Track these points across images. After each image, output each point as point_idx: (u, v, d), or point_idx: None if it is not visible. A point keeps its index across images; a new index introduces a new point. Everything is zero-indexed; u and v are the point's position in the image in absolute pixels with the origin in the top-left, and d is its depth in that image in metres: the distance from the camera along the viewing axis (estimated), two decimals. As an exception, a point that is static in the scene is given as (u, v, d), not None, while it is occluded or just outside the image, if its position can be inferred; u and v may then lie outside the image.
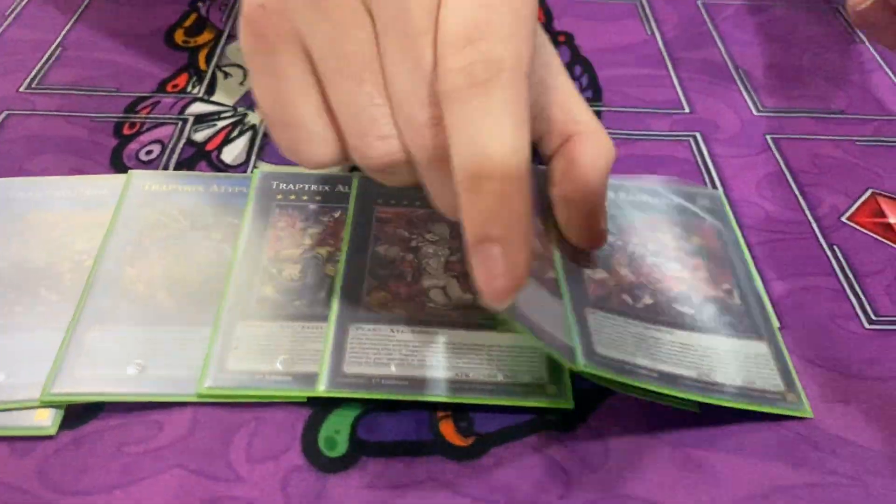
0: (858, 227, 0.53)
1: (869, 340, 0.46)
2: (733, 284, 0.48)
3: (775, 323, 0.46)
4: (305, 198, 0.53)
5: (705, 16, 0.74)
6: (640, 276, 0.48)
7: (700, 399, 0.41)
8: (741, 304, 0.47)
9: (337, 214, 0.52)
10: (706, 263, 0.49)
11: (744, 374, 0.43)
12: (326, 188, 0.53)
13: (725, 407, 0.41)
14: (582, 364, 0.40)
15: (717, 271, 0.49)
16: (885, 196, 0.55)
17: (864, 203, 0.55)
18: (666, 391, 0.41)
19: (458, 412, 0.41)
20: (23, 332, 0.43)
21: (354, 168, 0.56)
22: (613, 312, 0.45)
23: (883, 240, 0.52)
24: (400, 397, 0.41)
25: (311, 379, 0.42)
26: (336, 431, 0.40)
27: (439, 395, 0.41)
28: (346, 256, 0.48)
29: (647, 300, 0.46)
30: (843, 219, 0.54)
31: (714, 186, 0.56)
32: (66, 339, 0.43)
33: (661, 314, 0.46)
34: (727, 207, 0.54)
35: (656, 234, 0.51)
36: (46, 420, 0.40)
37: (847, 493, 0.38)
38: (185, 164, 0.55)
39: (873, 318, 0.47)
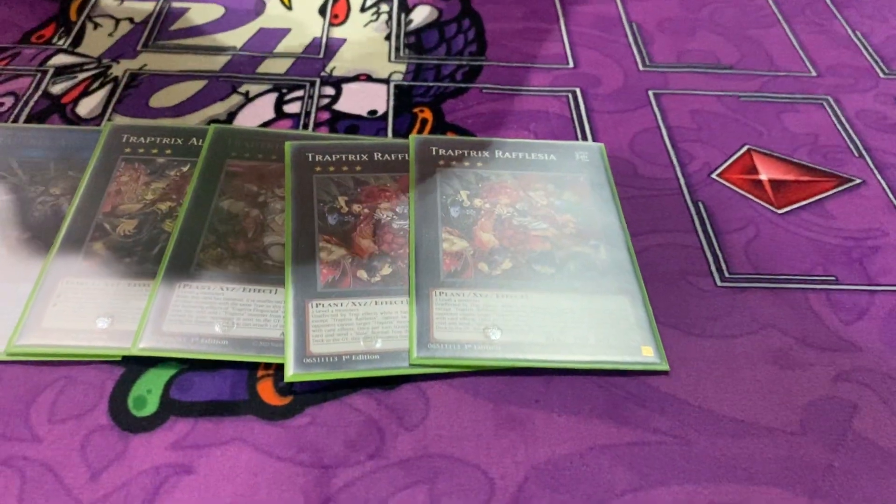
0: (728, 184, 0.52)
1: (718, 298, 0.45)
2: (601, 240, 0.47)
3: (639, 278, 0.45)
4: (155, 151, 0.50)
5: (608, -31, 0.72)
6: (503, 239, 0.47)
7: (544, 365, 0.40)
8: (607, 258, 0.46)
9: (186, 168, 0.50)
10: (575, 220, 0.48)
11: (600, 332, 0.42)
12: (179, 141, 0.51)
13: (577, 368, 0.40)
14: (414, 357, 0.40)
15: (586, 227, 0.48)
16: (760, 152, 0.54)
17: (738, 159, 0.54)
18: (509, 364, 0.40)
19: (280, 372, 0.40)
20: None
21: (214, 121, 0.54)
22: (464, 287, 0.44)
23: (750, 196, 0.51)
24: (217, 357, 0.39)
25: (129, 337, 0.40)
26: (148, 391, 0.38)
27: (262, 355, 0.40)
28: (186, 211, 0.47)
29: (506, 265, 0.45)
30: (714, 175, 0.52)
31: (585, 140, 0.54)
32: None
33: (518, 278, 0.44)
34: (605, 161, 0.52)
35: (528, 193, 0.49)
36: None
37: (668, 451, 0.37)
38: (37, 117, 0.53)
39: (727, 274, 0.46)
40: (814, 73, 0.61)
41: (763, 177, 0.52)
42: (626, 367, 0.41)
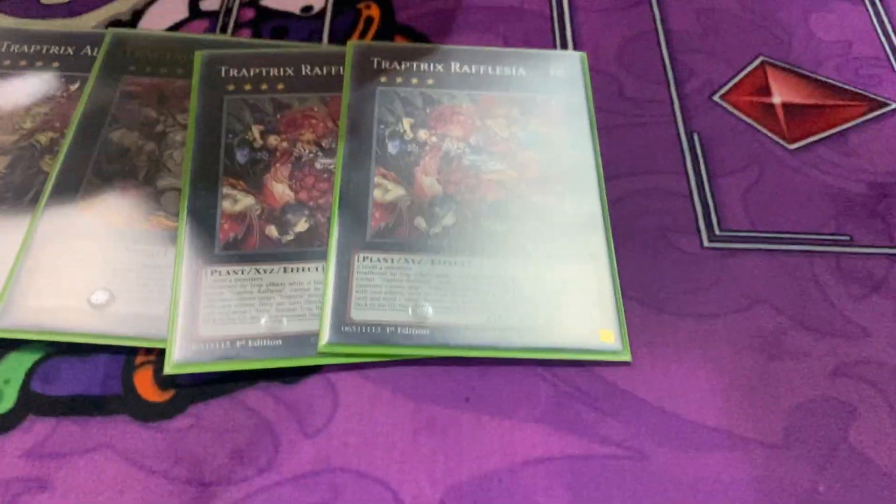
0: (732, 109, 0.42)
1: (703, 263, 0.37)
2: (567, 186, 0.39)
3: (610, 239, 0.37)
4: (40, 63, 0.42)
5: None
6: (448, 185, 0.38)
7: (481, 354, 0.33)
8: (572, 212, 0.38)
9: (75, 87, 0.41)
10: (540, 158, 0.39)
11: (552, 310, 0.35)
12: (70, 50, 0.43)
13: (521, 358, 0.34)
14: (324, 344, 0.33)
15: (552, 168, 0.39)
16: (777, 66, 0.44)
17: (748, 75, 0.44)
18: (440, 353, 0.33)
19: (163, 358, 0.33)
20: None
21: (115, 23, 0.45)
22: (394, 250, 0.36)
23: (758, 126, 0.42)
24: (88, 339, 0.33)
25: (-13, 312, 0.34)
26: (6, 381, 0.33)
27: (142, 338, 0.33)
28: (69, 146, 0.39)
29: (449, 219, 0.37)
30: (717, 97, 0.43)
31: (566, 49, 0.44)
32: None
33: (461, 238, 0.37)
34: (587, 78, 0.43)
35: (485, 122, 0.41)
36: None
37: (618, 469, 0.31)
38: None
39: (717, 232, 0.38)
40: (857, -43, 0.50)
41: (776, 99, 0.43)
42: (579, 357, 0.34)
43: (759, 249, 0.37)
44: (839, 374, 0.34)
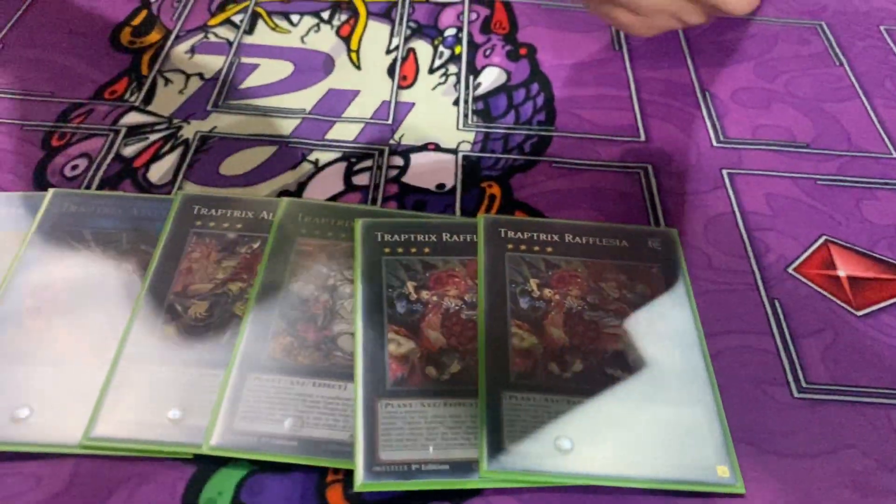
0: (805, 280, 0.50)
1: (795, 411, 0.43)
2: (675, 341, 0.46)
3: (715, 387, 0.44)
4: (226, 225, 0.51)
5: (679, 29, 0.71)
6: (574, 336, 0.46)
7: (614, 483, 0.39)
8: (681, 363, 0.45)
9: (256, 245, 0.50)
10: (648, 317, 0.47)
11: (671, 447, 0.41)
12: (250, 215, 0.51)
13: (650, 489, 0.40)
14: (485, 471, 0.39)
15: (660, 325, 0.47)
16: (838, 244, 0.52)
17: (815, 252, 0.52)
18: (582, 481, 0.39)
19: (350, 477, 0.39)
20: (-89, 368, 0.42)
21: (284, 192, 0.54)
22: (535, 391, 0.43)
23: (828, 295, 0.49)
24: (287, 459, 0.39)
25: (201, 433, 0.40)
26: (218, 493, 0.39)
27: (332, 459, 0.40)
28: (257, 295, 0.47)
29: (577, 366, 0.44)
30: (791, 269, 0.51)
31: (659, 225, 0.53)
32: (-48, 378, 0.41)
33: (589, 382, 0.43)
34: (680, 250, 0.51)
35: (598, 284, 0.48)
36: (-79, 469, 0.39)
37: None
38: (109, 182, 0.54)
39: (804, 385, 0.45)
40: (894, 154, 0.59)
41: (841, 273, 0.51)
42: (701, 489, 0.40)
43: (841, 401, 0.44)
44: (923, 511, 0.40)
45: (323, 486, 0.39)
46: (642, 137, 0.60)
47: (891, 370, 0.45)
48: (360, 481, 0.39)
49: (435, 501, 0.39)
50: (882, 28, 0.72)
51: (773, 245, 0.52)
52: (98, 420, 0.40)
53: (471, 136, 0.59)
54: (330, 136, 0.58)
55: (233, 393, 0.42)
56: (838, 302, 0.49)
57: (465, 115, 0.61)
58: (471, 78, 0.64)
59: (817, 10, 0.74)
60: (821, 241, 0.53)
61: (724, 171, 0.57)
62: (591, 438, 0.41)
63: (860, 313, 0.48)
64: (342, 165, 0.56)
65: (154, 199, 0.52)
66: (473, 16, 0.71)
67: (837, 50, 0.69)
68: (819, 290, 0.50)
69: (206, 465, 0.40)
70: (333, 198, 0.54)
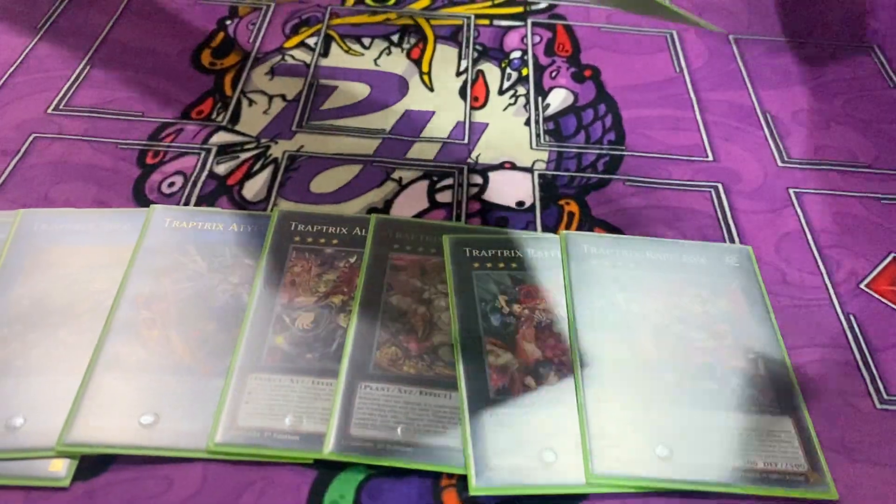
0: (876, 296, 0.52)
1: (880, 422, 0.45)
2: (758, 354, 0.48)
3: (800, 397, 0.46)
4: (323, 240, 0.53)
5: (735, 51, 0.73)
6: (663, 349, 0.48)
7: (717, 490, 0.42)
8: (766, 374, 0.47)
9: (353, 259, 0.52)
10: (732, 330, 0.49)
11: (765, 455, 0.43)
12: (344, 230, 0.54)
13: (745, 494, 0.42)
14: (593, 475, 0.41)
15: (744, 339, 0.49)
16: (906, 261, 0.55)
17: (885, 268, 0.54)
18: (682, 487, 0.41)
19: (463, 481, 0.42)
20: (41, 375, 0.44)
21: (373, 209, 0.56)
22: (631, 399, 0.45)
23: (901, 310, 0.51)
24: (404, 465, 0.42)
25: (318, 439, 0.42)
26: (341, 496, 0.41)
27: (445, 465, 0.42)
28: (358, 307, 0.49)
29: (669, 377, 0.46)
30: (863, 286, 0.53)
31: (733, 243, 0.55)
32: (81, 386, 0.44)
33: (681, 392, 0.46)
34: (756, 266, 0.53)
35: (682, 300, 0.51)
36: (61, 471, 0.41)
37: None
38: (206, 199, 0.56)
39: (885, 396, 0.47)
40: (953, 174, 0.61)
41: (912, 289, 0.53)
42: (797, 495, 0.42)
43: (922, 412, 0.46)
44: None
45: (438, 489, 0.41)
46: (710, 157, 0.62)
47: (967, 383, 0.47)
48: (475, 485, 0.41)
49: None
50: (933, 51, 0.74)
51: (844, 262, 0.54)
52: (221, 428, 0.42)
53: (544, 156, 0.61)
54: (411, 154, 0.61)
55: (344, 402, 0.44)
56: (911, 317, 0.51)
57: (538, 135, 0.63)
58: (539, 99, 0.67)
59: (869, 33, 0.76)
60: (889, 258, 0.55)
61: (792, 191, 0.60)
62: (688, 447, 0.43)
63: (933, 328, 0.50)
64: (425, 183, 0.58)
65: (252, 214, 0.54)
66: (536, 38, 0.74)
67: (891, 72, 0.72)
68: (892, 305, 0.52)
69: (326, 469, 0.42)
70: (419, 214, 0.56)
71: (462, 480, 0.41)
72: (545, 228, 0.56)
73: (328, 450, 0.42)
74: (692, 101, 0.67)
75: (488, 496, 0.41)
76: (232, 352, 0.46)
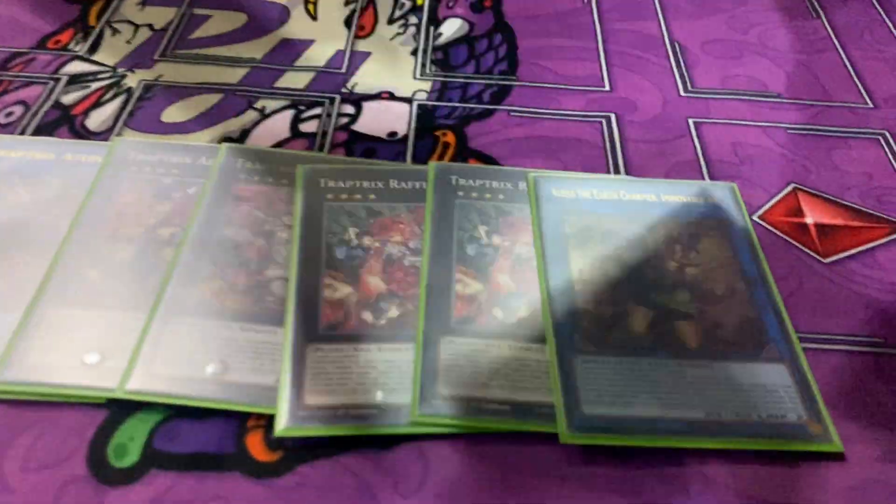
0: (770, 227, 0.48)
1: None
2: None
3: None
4: (162, 170, 0.48)
5: (652, -18, 0.68)
6: (521, 282, 0.43)
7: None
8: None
9: (192, 190, 0.47)
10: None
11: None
12: (188, 160, 0.49)
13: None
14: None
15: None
16: (807, 192, 0.50)
17: (782, 199, 0.49)
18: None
19: (272, 424, 0.37)
20: None
21: (227, 139, 0.51)
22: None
23: (794, 242, 0.47)
24: (208, 405, 0.37)
25: (117, 376, 0.38)
26: (130, 438, 0.36)
27: (255, 405, 0.37)
28: (188, 239, 0.44)
29: (522, 312, 0.42)
30: (756, 217, 0.48)
31: (618, 173, 0.50)
32: None
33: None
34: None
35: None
36: None
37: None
38: (44, 129, 0.51)
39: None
40: (870, 105, 0.57)
41: (809, 220, 0.48)
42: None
43: (806, 349, 0.41)
44: (886, 460, 0.37)
45: (243, 431, 0.37)
46: (607, 87, 0.57)
47: (855, 316, 0.43)
48: (283, 426, 0.36)
49: (363, 447, 0.36)
50: (863, -19, 0.69)
51: (740, 192, 0.50)
52: (5, 365, 0.38)
53: (427, 86, 0.57)
54: (280, 84, 0.56)
55: (155, 336, 0.39)
56: (804, 249, 0.46)
57: (423, 65, 0.58)
58: (431, 28, 0.62)
59: (796, -36, 0.71)
60: (789, 188, 0.50)
61: (691, 120, 0.55)
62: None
63: (827, 260, 0.46)
64: (290, 113, 0.54)
65: (89, 144, 0.50)
66: (438, -31, 0.69)
67: (815, 2, 0.67)
68: (785, 237, 0.47)
69: (120, 410, 0.37)
70: (278, 145, 0.51)
71: (271, 423, 0.37)
72: (417, 160, 0.51)
73: (126, 387, 0.37)
74: (596, 32, 0.62)
75: (296, 438, 0.36)
76: (38, 285, 0.41)
